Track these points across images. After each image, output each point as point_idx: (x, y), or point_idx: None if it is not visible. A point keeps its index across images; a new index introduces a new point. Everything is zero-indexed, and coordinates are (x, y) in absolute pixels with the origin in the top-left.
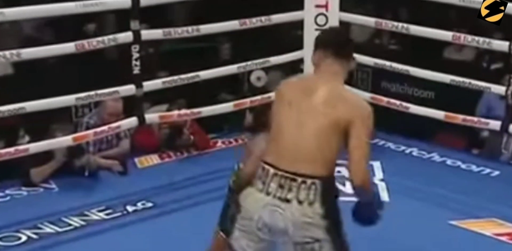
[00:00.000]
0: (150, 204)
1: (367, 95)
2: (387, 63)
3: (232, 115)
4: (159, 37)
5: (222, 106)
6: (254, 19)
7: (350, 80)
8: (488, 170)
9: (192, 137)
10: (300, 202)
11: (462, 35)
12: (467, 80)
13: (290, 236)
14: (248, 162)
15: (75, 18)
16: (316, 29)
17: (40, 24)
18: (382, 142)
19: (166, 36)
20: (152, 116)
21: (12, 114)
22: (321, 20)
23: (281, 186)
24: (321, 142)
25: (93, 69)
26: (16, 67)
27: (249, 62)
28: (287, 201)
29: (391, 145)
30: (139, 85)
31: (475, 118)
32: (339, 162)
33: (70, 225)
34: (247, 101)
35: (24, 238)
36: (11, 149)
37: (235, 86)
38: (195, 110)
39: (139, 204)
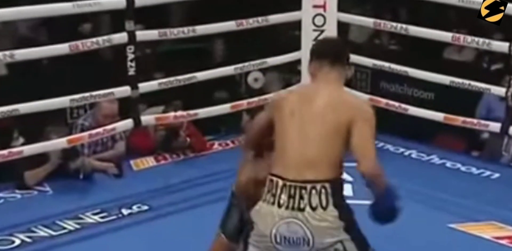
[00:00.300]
0: (145, 207)
1: (366, 97)
2: (386, 64)
3: (229, 117)
4: (155, 38)
5: (219, 108)
6: (251, 20)
7: (349, 82)
8: (488, 172)
9: (188, 139)
10: (313, 209)
11: (462, 36)
12: (466, 81)
13: (311, 244)
14: (242, 169)
15: (71, 18)
16: (314, 30)
17: (35, 24)
18: (380, 144)
19: (161, 37)
20: (148, 118)
21: (6, 116)
22: (319, 20)
23: (291, 196)
24: (325, 147)
25: (88, 70)
26: (9, 68)
27: (246, 63)
28: (300, 209)
29: (390, 147)
30: (134, 87)
31: (475, 120)
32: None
33: (64, 228)
34: (244, 103)
35: (17, 241)
36: (5, 151)
37: (232, 87)
38: (192, 112)
39: (134, 207)
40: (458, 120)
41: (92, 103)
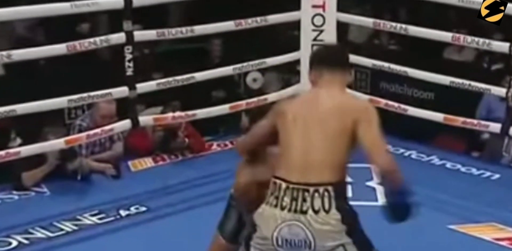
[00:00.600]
0: (143, 208)
1: (366, 97)
2: (386, 64)
3: (228, 118)
4: (153, 38)
5: (218, 109)
6: (249, 20)
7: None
8: (488, 173)
9: (186, 140)
10: (316, 211)
11: (462, 36)
12: (466, 82)
13: (313, 247)
14: (240, 171)
15: (69, 18)
16: (313, 30)
17: (33, 24)
18: None
19: (159, 37)
20: (146, 118)
21: (3, 117)
22: (318, 20)
23: (294, 199)
24: (329, 150)
25: (86, 71)
26: (7, 69)
27: (245, 64)
28: (303, 212)
29: (389, 148)
30: (132, 87)
31: (475, 121)
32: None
33: (62, 229)
34: (243, 104)
35: (15, 243)
36: (2, 152)
37: (230, 88)
38: (190, 112)
39: (132, 208)
40: (458, 121)
41: (90, 104)
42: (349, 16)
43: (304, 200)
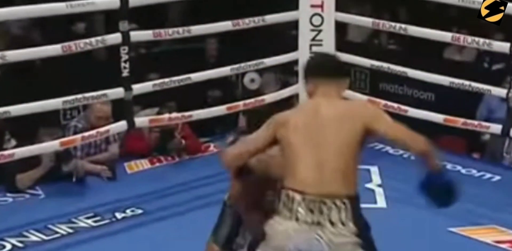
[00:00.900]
0: (139, 211)
1: (364, 98)
2: (385, 65)
3: (225, 119)
4: (149, 39)
5: (215, 110)
6: (247, 20)
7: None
8: (489, 175)
9: (183, 141)
10: (332, 224)
11: (462, 36)
12: (467, 82)
13: None
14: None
15: (65, 17)
16: (312, 30)
17: (28, 23)
18: (379, 146)
19: (156, 37)
20: (142, 120)
21: None
22: (316, 20)
23: (311, 210)
24: (345, 158)
25: (82, 71)
26: (1, 69)
27: (242, 64)
28: (319, 224)
29: (389, 149)
30: (128, 88)
31: (475, 122)
32: None
33: (56, 232)
34: (240, 104)
35: (8, 246)
36: None
37: (228, 88)
38: (186, 113)
39: (128, 211)
40: (459, 122)
41: (85, 105)
42: (348, 16)
43: (321, 212)
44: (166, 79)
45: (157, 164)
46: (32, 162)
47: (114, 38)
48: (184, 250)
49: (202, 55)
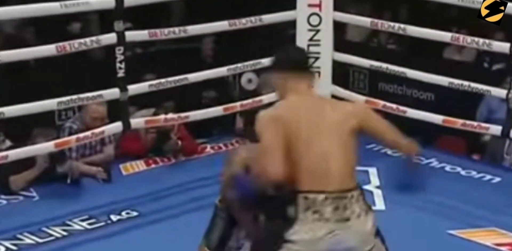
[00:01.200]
0: (135, 213)
1: (362, 98)
2: (384, 65)
3: (222, 120)
4: (145, 39)
5: (211, 111)
6: (244, 20)
7: (347, 82)
8: (489, 177)
9: (179, 142)
10: (358, 216)
11: (461, 36)
12: (466, 83)
13: None
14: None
15: (59, 17)
16: (309, 30)
17: (22, 23)
18: (378, 147)
19: (151, 37)
20: (137, 121)
21: None
22: (314, 20)
23: (336, 208)
24: (348, 153)
25: (77, 71)
26: None
27: (239, 64)
28: (347, 220)
29: (388, 150)
30: (123, 89)
31: (475, 123)
32: None
33: (51, 235)
34: (237, 105)
35: (2, 249)
36: None
37: (225, 89)
38: (183, 114)
39: (123, 213)
40: (458, 123)
41: (80, 105)
42: (346, 15)
43: (345, 207)
44: (162, 80)
45: (153, 165)
46: (26, 163)
47: (109, 38)
48: None
49: (198, 55)
